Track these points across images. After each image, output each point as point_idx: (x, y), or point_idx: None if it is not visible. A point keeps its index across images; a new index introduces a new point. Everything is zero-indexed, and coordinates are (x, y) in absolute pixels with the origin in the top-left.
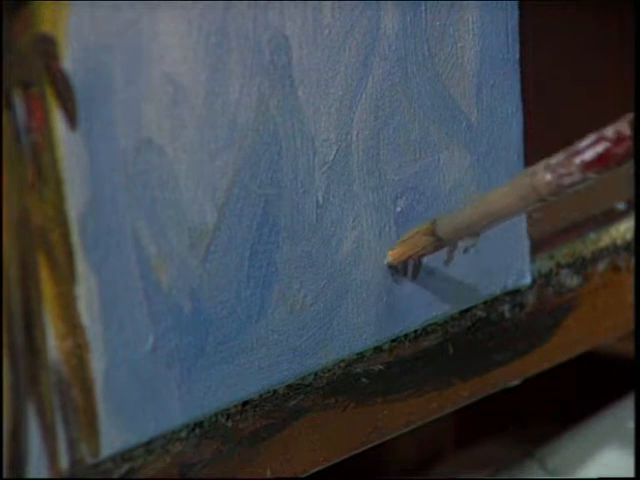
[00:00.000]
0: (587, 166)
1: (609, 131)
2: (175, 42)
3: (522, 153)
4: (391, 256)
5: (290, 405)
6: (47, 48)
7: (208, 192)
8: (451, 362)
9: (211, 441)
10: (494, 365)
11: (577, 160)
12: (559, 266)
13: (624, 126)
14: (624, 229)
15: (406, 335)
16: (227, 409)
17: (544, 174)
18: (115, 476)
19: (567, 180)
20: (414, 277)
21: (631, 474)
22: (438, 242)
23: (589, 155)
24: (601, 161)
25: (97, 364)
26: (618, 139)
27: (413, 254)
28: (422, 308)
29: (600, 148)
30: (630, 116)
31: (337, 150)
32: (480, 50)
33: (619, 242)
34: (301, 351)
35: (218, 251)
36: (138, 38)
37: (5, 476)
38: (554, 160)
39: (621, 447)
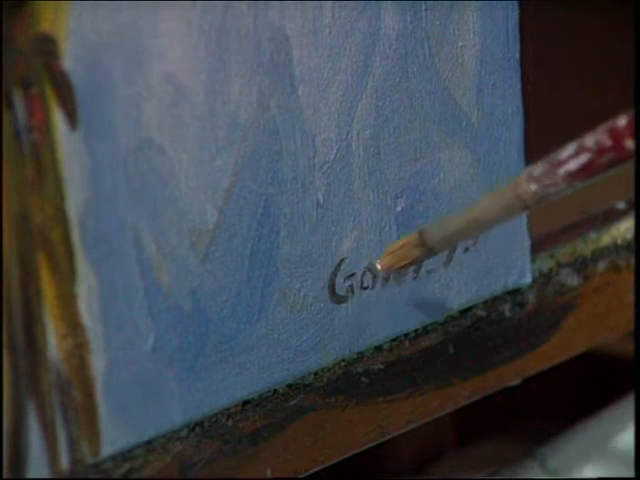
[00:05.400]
0: (571, 176)
1: (589, 141)
2: (175, 41)
3: (522, 153)
4: (380, 265)
5: (290, 405)
6: (47, 47)
7: (208, 191)
8: (451, 362)
9: (211, 441)
10: (494, 365)
11: (561, 171)
12: (559, 265)
13: (604, 137)
14: (624, 228)
15: (406, 335)
16: (227, 408)
17: (529, 185)
18: (115, 476)
19: (552, 189)
20: (414, 277)
21: (631, 474)
22: (429, 252)
23: (572, 165)
24: (585, 171)
25: (97, 363)
26: (600, 150)
27: (404, 265)
28: (422, 307)
29: (583, 158)
30: (608, 125)
31: (337, 149)
32: (480, 50)
33: (619, 241)
34: (301, 350)
35: (218, 250)
36: (138, 37)
37: (5, 476)
38: (537, 170)
39: (621, 447)
